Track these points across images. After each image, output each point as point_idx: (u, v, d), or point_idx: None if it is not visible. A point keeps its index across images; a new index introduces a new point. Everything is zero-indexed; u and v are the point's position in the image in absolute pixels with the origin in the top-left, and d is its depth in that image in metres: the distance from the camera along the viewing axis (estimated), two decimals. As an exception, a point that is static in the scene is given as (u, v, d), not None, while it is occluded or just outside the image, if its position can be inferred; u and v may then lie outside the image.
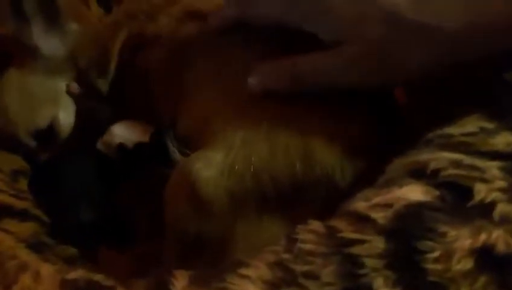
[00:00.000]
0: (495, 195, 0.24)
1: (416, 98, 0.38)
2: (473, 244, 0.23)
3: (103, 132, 0.53)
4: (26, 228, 0.41)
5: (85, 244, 0.46)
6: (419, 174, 0.26)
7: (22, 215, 0.42)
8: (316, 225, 0.27)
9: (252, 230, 0.35)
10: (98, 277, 0.30)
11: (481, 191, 0.24)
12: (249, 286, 0.26)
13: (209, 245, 0.37)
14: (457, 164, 0.25)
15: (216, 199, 0.36)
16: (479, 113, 0.27)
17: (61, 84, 0.49)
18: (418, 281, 0.24)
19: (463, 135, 0.26)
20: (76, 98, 0.50)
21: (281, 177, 0.35)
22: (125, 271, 0.42)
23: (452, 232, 0.23)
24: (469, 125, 0.26)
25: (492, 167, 0.24)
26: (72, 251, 0.45)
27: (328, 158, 0.34)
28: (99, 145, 0.53)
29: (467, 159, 0.25)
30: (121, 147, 0.54)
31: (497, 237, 0.23)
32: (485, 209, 0.24)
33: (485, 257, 0.23)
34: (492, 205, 0.24)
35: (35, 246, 0.40)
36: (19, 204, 0.43)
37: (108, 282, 0.29)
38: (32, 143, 0.49)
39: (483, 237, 0.23)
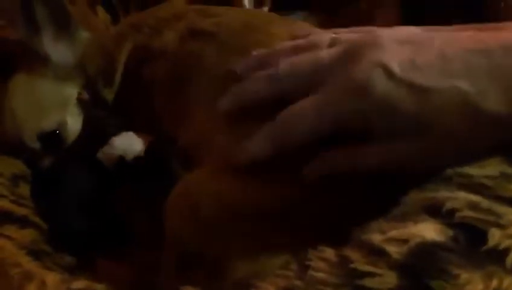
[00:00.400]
0: (509, 242, 0.24)
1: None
2: (482, 290, 0.24)
3: (106, 142, 0.54)
4: (26, 235, 0.41)
5: (81, 252, 0.46)
6: (435, 211, 0.26)
7: (22, 222, 0.42)
8: (328, 253, 0.28)
9: (251, 247, 0.36)
10: (101, 287, 0.30)
11: (495, 236, 0.24)
12: (259, 310, 0.26)
13: (208, 260, 0.37)
14: (474, 206, 0.25)
15: (215, 214, 0.37)
16: (501, 157, 0.28)
17: (70, 90, 0.50)
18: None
19: (483, 177, 0.26)
20: (84, 106, 0.50)
21: (283, 195, 0.36)
22: (124, 281, 0.42)
23: (464, 275, 0.24)
24: (490, 168, 0.27)
25: (509, 213, 0.25)
26: (70, 259, 0.44)
27: None
28: (100, 155, 0.53)
29: (484, 202, 0.25)
30: (121, 159, 0.55)
31: (508, 284, 0.23)
32: (498, 255, 0.24)
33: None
34: (505, 251, 0.24)
35: (35, 254, 0.39)
36: (19, 210, 0.43)
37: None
38: (37, 146, 0.49)
39: (494, 283, 0.23)
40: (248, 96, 0.38)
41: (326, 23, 0.51)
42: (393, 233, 0.26)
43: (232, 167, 0.37)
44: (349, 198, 0.34)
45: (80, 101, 0.50)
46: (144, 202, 0.51)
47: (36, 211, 0.45)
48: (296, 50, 0.37)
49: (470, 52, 0.30)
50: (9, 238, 0.38)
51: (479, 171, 0.27)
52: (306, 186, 0.35)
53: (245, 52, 0.41)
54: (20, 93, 0.49)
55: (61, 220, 0.47)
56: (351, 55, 0.33)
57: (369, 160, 0.32)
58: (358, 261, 0.26)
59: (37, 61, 0.49)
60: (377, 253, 0.26)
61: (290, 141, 0.34)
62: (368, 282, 0.25)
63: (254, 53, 0.39)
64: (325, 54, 0.35)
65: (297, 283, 0.27)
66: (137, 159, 0.56)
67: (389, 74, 0.31)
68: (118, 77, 0.49)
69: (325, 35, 0.38)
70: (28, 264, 0.34)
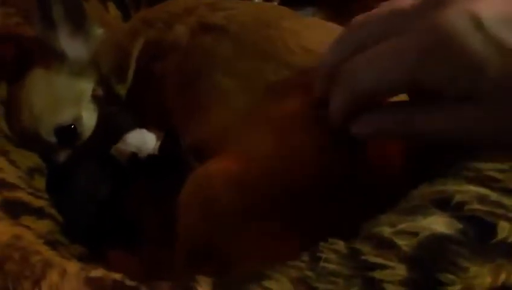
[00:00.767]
0: (519, 234, 0.25)
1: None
2: (493, 283, 0.24)
3: (119, 139, 0.55)
4: (43, 226, 0.42)
5: (93, 245, 0.47)
6: (444, 205, 0.27)
7: (39, 213, 0.43)
8: (339, 245, 0.28)
9: (262, 241, 0.37)
10: (119, 276, 0.31)
11: (505, 229, 0.25)
12: (271, 299, 0.27)
13: (218, 253, 0.38)
14: (483, 199, 0.26)
15: (228, 207, 0.37)
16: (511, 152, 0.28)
17: (84, 86, 0.51)
18: (435, 311, 0.25)
19: (492, 170, 0.27)
20: (98, 102, 0.51)
21: (294, 190, 0.36)
22: (135, 273, 0.43)
23: (473, 268, 0.25)
24: (499, 162, 0.27)
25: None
26: (83, 250, 0.45)
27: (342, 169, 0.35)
28: (113, 152, 0.54)
29: (493, 195, 0.26)
30: (134, 156, 0.56)
31: (516, 277, 0.24)
32: (508, 248, 0.25)
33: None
34: (515, 244, 0.25)
35: (52, 244, 0.40)
36: (36, 202, 0.44)
37: (131, 282, 0.30)
38: (53, 140, 0.50)
39: (503, 276, 0.24)
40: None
41: (334, 19, 0.51)
42: (403, 226, 0.26)
43: (246, 160, 0.38)
44: (363, 194, 0.34)
45: (94, 97, 0.51)
46: (156, 198, 0.52)
47: (51, 204, 0.46)
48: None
49: None
50: (28, 228, 0.39)
51: (488, 164, 0.27)
52: (320, 179, 0.35)
53: (257, 47, 0.42)
54: (37, 89, 0.50)
55: (74, 214, 0.48)
56: (437, 1, 0.28)
57: (432, 125, 0.29)
58: (369, 254, 0.27)
59: (53, 58, 0.50)
60: (386, 246, 0.27)
61: (359, 95, 0.31)
62: (378, 274, 0.26)
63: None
64: (407, 2, 0.30)
65: (309, 273, 0.27)
66: (150, 156, 0.57)
67: (479, 26, 0.26)
68: (130, 73, 0.49)
69: None
70: (47, 253, 0.35)
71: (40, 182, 0.48)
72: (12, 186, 0.42)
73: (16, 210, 0.40)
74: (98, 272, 0.31)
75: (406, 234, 0.26)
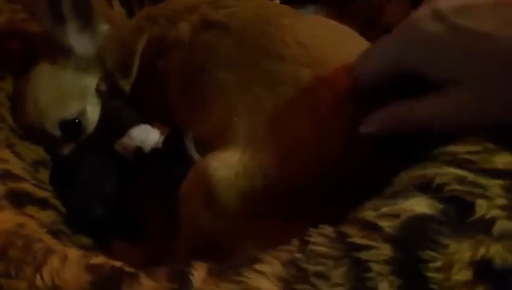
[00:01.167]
0: (495, 212, 0.26)
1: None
2: (472, 257, 0.25)
3: (123, 133, 0.56)
4: (47, 216, 0.43)
5: (97, 235, 0.48)
6: (424, 188, 0.28)
7: (43, 204, 0.44)
8: (327, 230, 0.29)
9: (262, 231, 0.37)
10: (119, 264, 0.32)
11: (482, 208, 0.26)
12: (263, 281, 0.28)
13: (220, 243, 0.39)
14: (461, 180, 0.27)
15: (228, 198, 0.38)
16: (485, 133, 0.29)
17: (89, 81, 0.52)
18: (420, 288, 0.26)
19: (467, 152, 0.28)
20: (103, 97, 0.52)
21: (293, 179, 0.37)
22: (138, 262, 0.44)
23: (453, 245, 0.26)
24: (473, 144, 0.28)
25: (494, 185, 0.26)
26: (86, 240, 0.47)
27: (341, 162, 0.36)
28: (117, 146, 0.55)
29: (470, 176, 0.27)
30: (138, 150, 0.57)
31: (495, 251, 0.25)
32: (485, 225, 0.26)
33: (482, 269, 0.25)
34: (492, 221, 0.26)
35: (55, 233, 0.42)
36: (40, 193, 0.45)
37: (130, 269, 0.31)
38: (58, 133, 0.51)
39: (482, 251, 0.25)
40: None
41: (337, 17, 0.52)
42: (386, 209, 0.27)
43: (247, 152, 0.39)
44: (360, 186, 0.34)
45: (98, 92, 0.52)
46: (160, 192, 0.53)
47: (55, 195, 0.47)
48: None
49: None
50: (31, 217, 0.40)
51: (462, 147, 0.28)
52: (321, 170, 0.36)
53: (256, 42, 0.42)
54: (43, 83, 0.51)
55: (78, 207, 0.49)
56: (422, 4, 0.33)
57: (420, 113, 0.32)
58: (355, 236, 0.28)
59: (59, 53, 0.51)
60: (371, 228, 0.28)
61: (364, 80, 0.36)
62: (364, 254, 0.27)
63: None
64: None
65: (299, 256, 0.28)
66: (154, 150, 0.58)
67: (440, 17, 0.31)
68: (135, 69, 0.50)
69: None
70: (50, 241, 0.36)
71: (45, 175, 0.49)
72: (17, 178, 0.44)
73: (20, 200, 0.41)
74: (98, 259, 0.32)
75: (388, 217, 0.27)
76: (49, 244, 0.34)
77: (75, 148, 0.52)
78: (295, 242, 0.30)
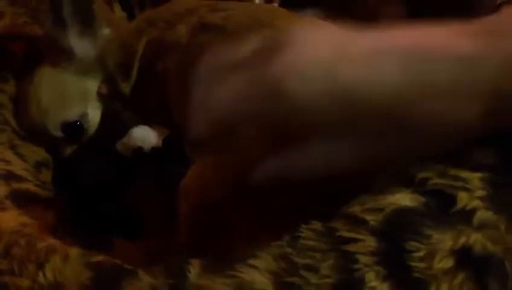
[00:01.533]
0: (475, 203, 0.27)
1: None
2: (453, 246, 0.26)
3: (124, 134, 0.57)
4: (49, 216, 0.45)
5: (99, 233, 0.50)
6: (408, 182, 0.29)
7: (45, 204, 0.45)
8: (316, 225, 0.30)
9: (255, 231, 0.38)
10: (120, 261, 0.33)
11: (463, 199, 0.27)
12: (256, 275, 0.29)
13: (218, 239, 0.40)
14: (442, 174, 0.28)
15: (224, 200, 0.39)
16: None
17: (91, 84, 0.53)
18: (404, 277, 0.27)
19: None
20: (104, 100, 0.53)
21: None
22: (139, 259, 0.46)
23: (436, 235, 0.27)
24: None
25: (474, 178, 0.27)
26: (88, 240, 0.48)
27: None
28: (119, 146, 0.56)
29: (451, 170, 0.28)
30: (139, 150, 0.58)
31: (475, 240, 0.26)
32: (466, 216, 0.27)
33: (463, 257, 0.26)
34: (472, 211, 0.27)
35: (57, 232, 0.43)
36: (42, 193, 0.46)
37: (129, 266, 0.32)
38: (60, 134, 0.52)
39: (463, 239, 0.26)
40: None
41: (334, 20, 0.52)
42: (371, 204, 0.29)
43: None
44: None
45: (100, 94, 0.53)
46: (160, 191, 0.54)
47: (57, 196, 0.49)
48: None
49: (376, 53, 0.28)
50: (34, 217, 0.41)
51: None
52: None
53: None
54: (45, 85, 0.52)
55: (79, 207, 0.51)
56: (265, 53, 0.30)
57: (296, 168, 0.30)
58: (342, 230, 0.29)
59: (60, 56, 0.53)
60: (358, 222, 0.29)
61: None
62: (351, 247, 0.28)
63: None
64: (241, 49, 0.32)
65: (289, 250, 0.29)
66: (155, 149, 0.59)
67: (302, 75, 0.28)
68: (134, 71, 0.51)
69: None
70: (52, 240, 0.37)
71: (47, 175, 0.50)
72: (20, 178, 0.45)
73: (23, 200, 0.43)
74: (99, 257, 0.34)
75: (374, 210, 0.28)
76: (51, 243, 0.35)
77: (77, 150, 0.54)
78: (286, 237, 0.31)
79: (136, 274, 0.31)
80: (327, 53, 0.28)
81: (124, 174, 0.55)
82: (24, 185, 0.45)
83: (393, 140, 0.28)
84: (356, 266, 0.28)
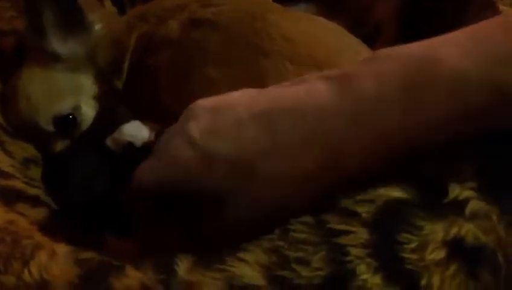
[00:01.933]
0: (467, 193, 0.27)
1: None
2: (445, 237, 0.26)
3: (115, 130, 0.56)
4: (37, 213, 0.44)
5: (89, 232, 0.49)
6: (400, 173, 0.28)
7: (34, 201, 0.45)
8: (307, 218, 0.30)
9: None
10: (108, 258, 0.33)
11: (455, 190, 0.27)
12: (246, 269, 0.28)
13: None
14: (434, 165, 0.28)
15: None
16: None
17: (83, 79, 0.52)
18: (396, 269, 0.27)
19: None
20: (97, 96, 0.52)
21: None
22: (130, 257, 0.45)
23: (428, 226, 0.26)
24: None
25: (466, 169, 0.27)
26: (78, 237, 0.47)
27: None
28: (108, 142, 0.55)
29: (443, 161, 0.27)
30: (130, 145, 0.57)
31: (467, 230, 0.26)
32: (458, 206, 0.27)
33: (455, 248, 0.26)
34: (464, 202, 0.27)
35: (45, 230, 0.42)
36: (31, 191, 0.46)
37: (118, 262, 0.32)
38: (51, 129, 0.51)
39: (454, 230, 0.26)
40: None
41: (327, 15, 0.52)
42: (362, 196, 0.28)
43: None
44: None
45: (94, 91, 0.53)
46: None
47: (47, 192, 0.48)
48: None
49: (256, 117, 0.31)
50: (21, 214, 0.41)
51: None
52: None
53: (242, 38, 0.43)
54: (34, 81, 0.51)
55: (70, 205, 0.50)
56: (174, 127, 0.35)
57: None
58: (333, 222, 0.29)
59: (45, 56, 0.51)
60: (349, 214, 0.28)
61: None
62: (343, 239, 0.28)
63: None
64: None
65: (280, 243, 0.29)
66: (146, 145, 0.58)
67: (190, 141, 0.32)
68: (126, 67, 0.51)
69: None
70: (39, 237, 0.36)
71: (36, 172, 0.49)
72: (7, 175, 0.44)
73: (10, 197, 0.42)
74: (87, 254, 0.33)
75: (365, 202, 0.28)
76: (37, 240, 0.35)
77: (68, 146, 0.53)
78: (277, 231, 0.30)
79: (124, 270, 0.31)
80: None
81: (115, 171, 0.54)
82: (11, 182, 0.44)
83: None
84: (348, 259, 0.27)
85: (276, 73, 0.40)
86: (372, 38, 0.51)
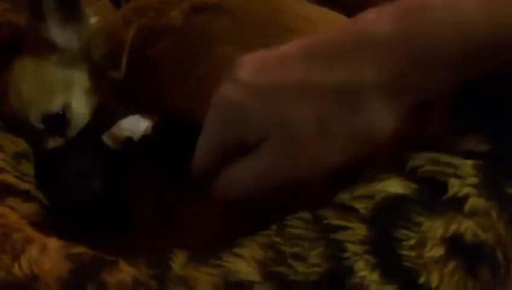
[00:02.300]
0: (467, 190, 0.26)
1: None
2: (444, 234, 0.26)
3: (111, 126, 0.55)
4: (29, 207, 0.43)
5: (82, 228, 0.48)
6: (398, 170, 0.28)
7: (25, 196, 0.44)
8: (304, 213, 0.30)
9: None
10: (101, 253, 0.32)
11: (455, 186, 0.26)
12: (242, 264, 0.28)
13: None
14: (434, 162, 0.27)
15: None
16: (454, 117, 0.29)
17: (75, 75, 0.51)
18: (394, 266, 0.26)
19: (438, 137, 0.28)
20: (91, 92, 0.52)
21: None
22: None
23: (426, 223, 0.26)
24: (444, 128, 0.29)
25: (466, 165, 0.27)
26: (70, 233, 0.46)
27: None
28: (105, 138, 0.55)
29: (443, 157, 0.27)
30: (129, 140, 0.56)
31: (466, 227, 0.26)
32: (458, 203, 0.26)
33: (454, 245, 0.26)
34: (464, 198, 0.26)
35: (37, 225, 0.42)
36: (22, 185, 0.45)
37: (111, 257, 0.31)
38: (41, 126, 0.50)
39: (454, 227, 0.26)
40: None
41: (327, 6, 0.52)
42: (360, 191, 0.28)
43: None
44: None
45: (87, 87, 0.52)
46: (154, 185, 0.52)
47: (38, 187, 0.47)
48: None
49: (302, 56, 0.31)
50: (12, 209, 0.40)
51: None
52: None
53: (257, 16, 0.43)
54: (26, 75, 0.51)
55: (64, 204, 0.49)
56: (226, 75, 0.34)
57: (243, 175, 0.32)
58: (331, 218, 0.28)
59: (42, 46, 0.51)
60: (347, 210, 0.28)
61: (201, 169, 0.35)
62: (340, 235, 0.28)
63: None
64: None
65: (277, 239, 0.29)
66: (145, 137, 0.57)
67: (238, 83, 0.32)
68: (124, 60, 0.50)
69: None
70: (30, 231, 0.36)
71: (27, 167, 0.48)
72: (-1, 169, 0.43)
73: (1, 191, 0.41)
74: (79, 249, 0.32)
75: (364, 198, 0.28)
76: (28, 234, 0.34)
77: (63, 144, 0.52)
78: (273, 227, 0.30)
79: (117, 265, 0.30)
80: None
81: (112, 168, 0.53)
82: (2, 176, 0.43)
83: None
84: (345, 255, 0.27)
85: None
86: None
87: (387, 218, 0.27)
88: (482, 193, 0.26)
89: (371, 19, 0.30)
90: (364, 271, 0.26)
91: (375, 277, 0.26)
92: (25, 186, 0.45)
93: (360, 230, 0.27)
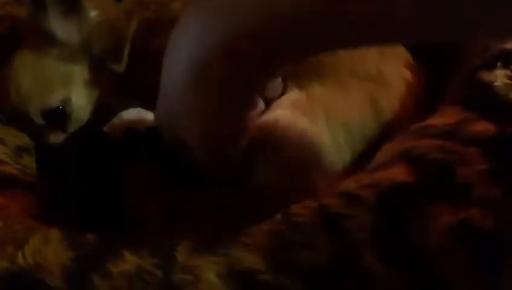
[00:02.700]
0: (475, 177, 0.26)
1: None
2: (451, 221, 0.25)
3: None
4: (30, 200, 0.43)
5: (83, 223, 0.48)
6: (404, 159, 0.28)
7: (26, 189, 0.44)
8: (310, 203, 0.29)
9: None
10: (104, 243, 0.32)
11: (462, 173, 0.26)
12: (247, 253, 0.28)
13: None
14: (441, 149, 0.27)
15: None
16: (460, 106, 0.29)
17: (74, 69, 0.51)
18: (400, 254, 0.26)
19: (445, 125, 0.28)
20: (92, 86, 0.51)
21: None
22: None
23: (433, 210, 0.26)
24: (449, 117, 0.29)
25: (473, 152, 0.27)
26: (72, 227, 0.46)
27: None
28: (107, 129, 0.54)
29: (449, 145, 0.27)
30: (129, 131, 0.56)
31: (474, 215, 0.25)
32: (465, 190, 0.26)
33: (461, 233, 0.25)
34: (471, 186, 0.26)
35: (39, 217, 0.41)
36: (24, 178, 0.45)
37: (114, 247, 0.31)
38: (41, 121, 0.50)
39: (461, 215, 0.25)
40: None
41: None
42: (365, 180, 0.28)
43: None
44: None
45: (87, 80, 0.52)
46: (156, 180, 0.52)
47: (40, 181, 0.47)
48: None
49: None
50: (14, 201, 0.40)
51: (440, 120, 0.28)
52: None
53: None
54: (26, 69, 0.50)
55: (64, 197, 0.49)
56: None
57: None
58: (337, 206, 0.28)
59: (42, 39, 0.50)
60: (353, 198, 0.28)
61: None
62: (346, 223, 0.27)
63: None
64: None
65: (282, 227, 0.29)
66: (149, 129, 0.56)
67: None
68: (126, 53, 0.50)
69: None
70: (32, 222, 0.36)
71: (28, 161, 0.48)
72: (0, 162, 0.43)
73: (2, 183, 0.41)
74: (82, 238, 0.32)
75: (369, 187, 0.27)
76: (31, 225, 0.34)
77: (66, 139, 0.52)
78: (278, 215, 0.30)
79: (121, 254, 0.30)
80: None
81: (115, 161, 0.53)
82: (4, 168, 0.43)
83: None
84: (351, 243, 0.27)
85: None
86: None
87: (393, 206, 0.26)
88: (489, 180, 0.26)
89: None
90: (370, 259, 0.26)
91: (381, 265, 0.26)
92: (27, 179, 0.45)
93: (366, 218, 0.27)
